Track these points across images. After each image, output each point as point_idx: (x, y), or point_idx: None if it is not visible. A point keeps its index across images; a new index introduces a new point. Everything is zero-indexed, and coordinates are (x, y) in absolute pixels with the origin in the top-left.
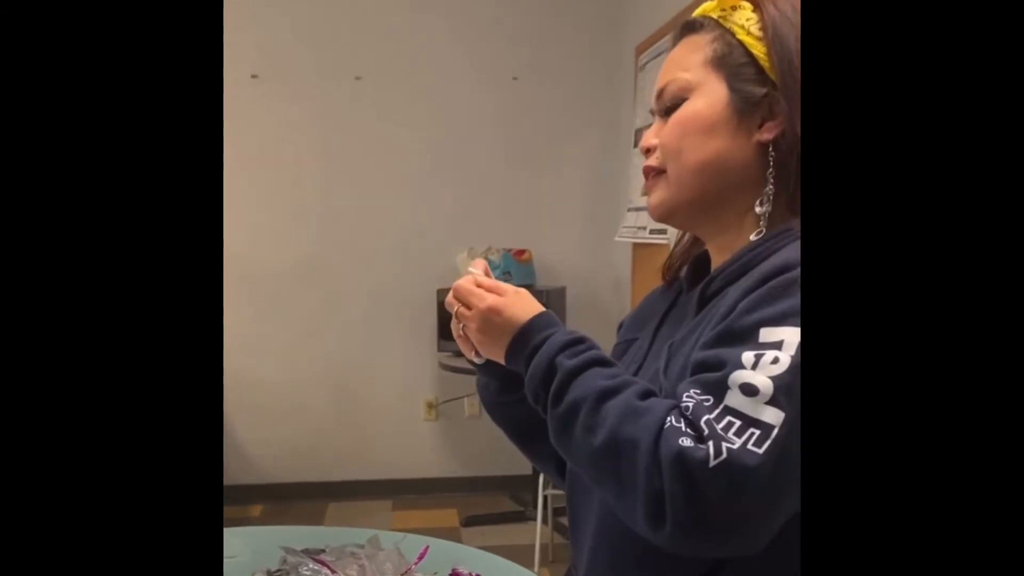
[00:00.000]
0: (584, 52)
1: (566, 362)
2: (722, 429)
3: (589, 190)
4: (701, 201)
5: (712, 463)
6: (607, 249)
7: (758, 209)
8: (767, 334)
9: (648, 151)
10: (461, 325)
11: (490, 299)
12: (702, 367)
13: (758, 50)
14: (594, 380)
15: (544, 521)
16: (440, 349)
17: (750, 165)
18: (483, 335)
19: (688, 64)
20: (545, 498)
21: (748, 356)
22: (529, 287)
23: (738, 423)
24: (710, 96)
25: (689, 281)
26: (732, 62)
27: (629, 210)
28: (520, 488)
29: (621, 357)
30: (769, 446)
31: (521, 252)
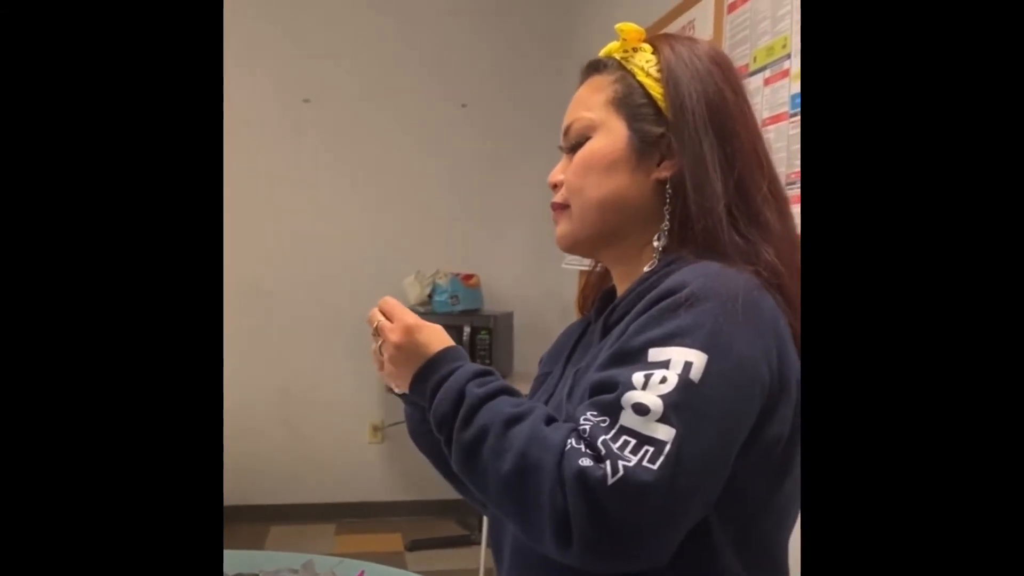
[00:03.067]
0: (534, 77)
1: (476, 390)
2: (618, 448)
3: (538, 216)
4: (602, 235)
5: (611, 480)
6: (555, 275)
7: (655, 243)
8: (655, 354)
9: (555, 187)
10: (381, 352)
11: (400, 330)
12: (598, 389)
13: (656, 91)
14: (502, 407)
15: (489, 545)
16: None
17: (648, 201)
18: (393, 364)
19: (591, 104)
20: None
21: (638, 377)
22: (476, 312)
23: (633, 441)
24: (611, 135)
25: (596, 311)
26: (632, 103)
27: None
28: (466, 512)
29: (537, 391)
30: (663, 461)
31: (469, 277)
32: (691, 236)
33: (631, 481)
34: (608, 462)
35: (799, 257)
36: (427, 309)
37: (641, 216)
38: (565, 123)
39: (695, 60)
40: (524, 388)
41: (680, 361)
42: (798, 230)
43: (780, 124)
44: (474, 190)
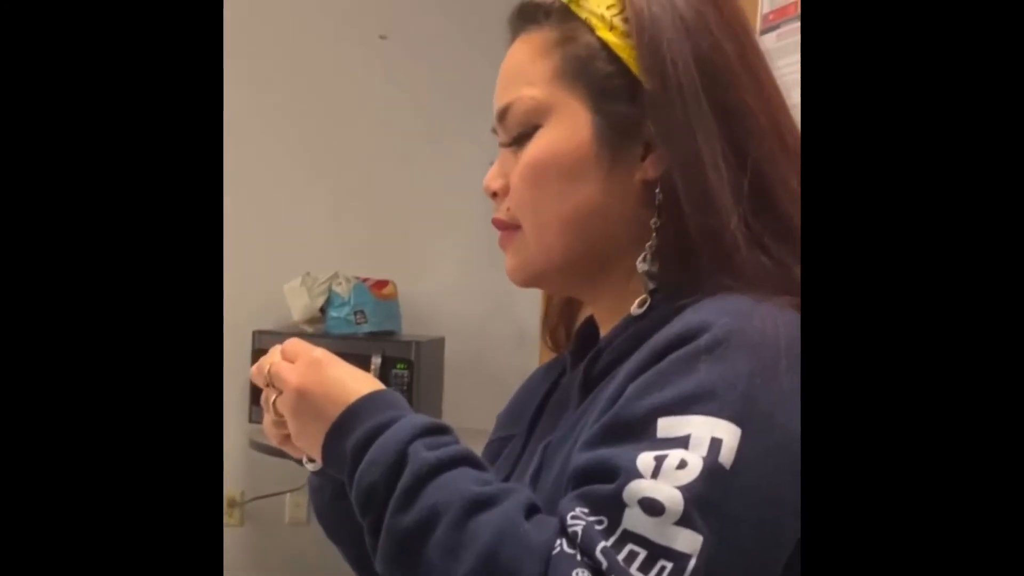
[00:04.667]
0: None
1: (424, 453)
2: (624, 560)
3: (481, 204)
4: (572, 265)
5: None
6: (504, 287)
7: (640, 267)
8: (668, 426)
9: (495, 196)
10: (275, 411)
11: (303, 369)
12: (587, 475)
13: (625, 52)
14: (463, 483)
15: None
16: (253, 419)
17: (633, 213)
18: (296, 419)
19: (533, 75)
20: None
21: (646, 459)
22: (391, 336)
23: (643, 553)
24: (569, 123)
25: (574, 356)
26: (593, 72)
27: None
28: None
29: (494, 461)
30: None
31: (381, 284)
32: (693, 259)
33: None
34: None
35: None
36: (318, 329)
37: (626, 235)
38: (498, 104)
39: None
40: None
41: (704, 437)
42: None
43: None
44: (392, 162)
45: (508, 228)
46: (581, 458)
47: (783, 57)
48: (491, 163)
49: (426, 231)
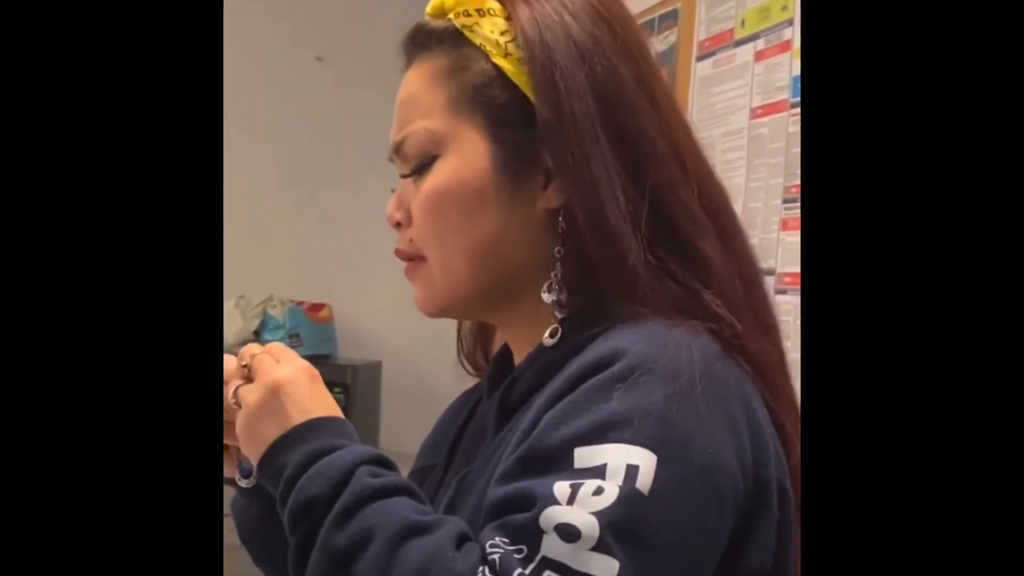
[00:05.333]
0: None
1: (368, 479)
2: None
3: None
4: (479, 295)
5: None
6: None
7: (546, 297)
8: (584, 456)
9: (398, 225)
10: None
11: (290, 370)
12: (505, 507)
13: (522, 80)
14: (402, 509)
15: None
16: None
17: (539, 242)
18: (255, 411)
19: (428, 105)
20: None
21: (562, 487)
22: (327, 359)
23: None
24: (467, 154)
25: (491, 382)
26: (490, 101)
27: None
28: None
29: None
30: None
31: (317, 307)
32: (600, 287)
33: None
34: None
35: (760, 299)
36: None
37: (532, 264)
38: (394, 136)
39: (567, 18)
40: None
41: (620, 465)
42: (753, 257)
43: (777, 116)
44: (328, 183)
45: (412, 259)
46: (499, 491)
47: (719, 84)
48: (392, 190)
49: (363, 254)
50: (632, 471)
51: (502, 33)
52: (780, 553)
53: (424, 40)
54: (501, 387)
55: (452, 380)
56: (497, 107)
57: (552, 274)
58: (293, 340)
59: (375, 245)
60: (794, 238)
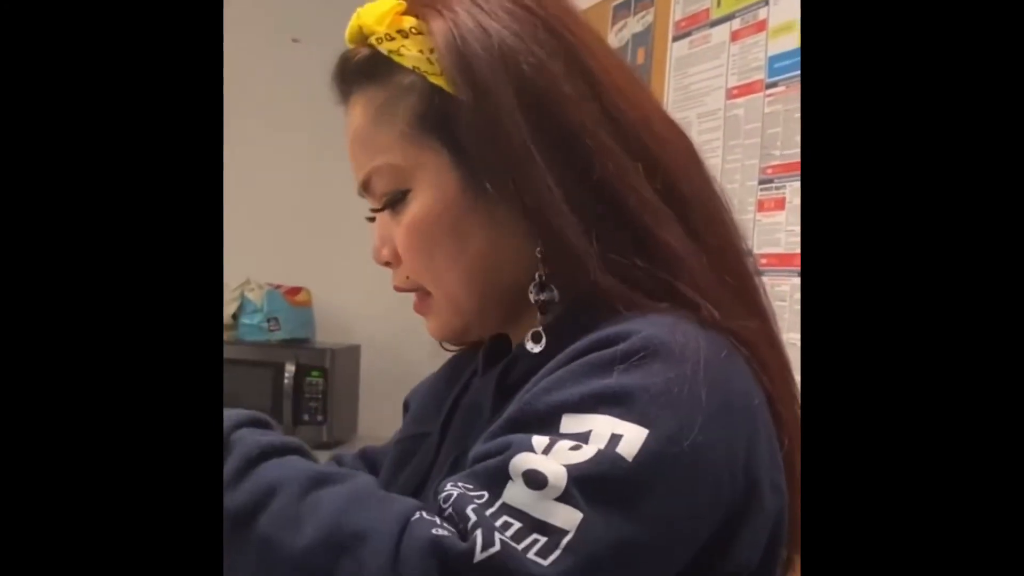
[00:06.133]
0: None
1: (256, 436)
2: (498, 528)
3: None
4: (488, 312)
5: (479, 556)
6: None
7: (533, 297)
8: (571, 423)
9: (388, 264)
10: None
11: None
12: (479, 458)
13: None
14: (299, 464)
15: None
16: None
17: (525, 244)
18: None
19: (383, 141)
20: None
21: (540, 440)
22: (305, 343)
23: (516, 525)
24: (435, 181)
25: (486, 359)
26: (443, 123)
27: None
28: None
29: (407, 460)
30: (558, 556)
31: (295, 291)
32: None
33: (511, 562)
34: (479, 532)
35: (741, 276)
36: (231, 336)
37: (526, 268)
38: (358, 175)
39: (484, 20)
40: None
41: (604, 433)
42: (732, 233)
43: (752, 97)
44: (305, 166)
45: (420, 295)
46: (481, 447)
47: (695, 64)
48: (367, 218)
49: (341, 237)
50: (616, 438)
51: (431, 51)
52: (769, 552)
53: (354, 75)
54: (499, 366)
55: (431, 364)
56: (446, 123)
57: (536, 275)
58: (271, 324)
59: (353, 228)
60: (771, 219)
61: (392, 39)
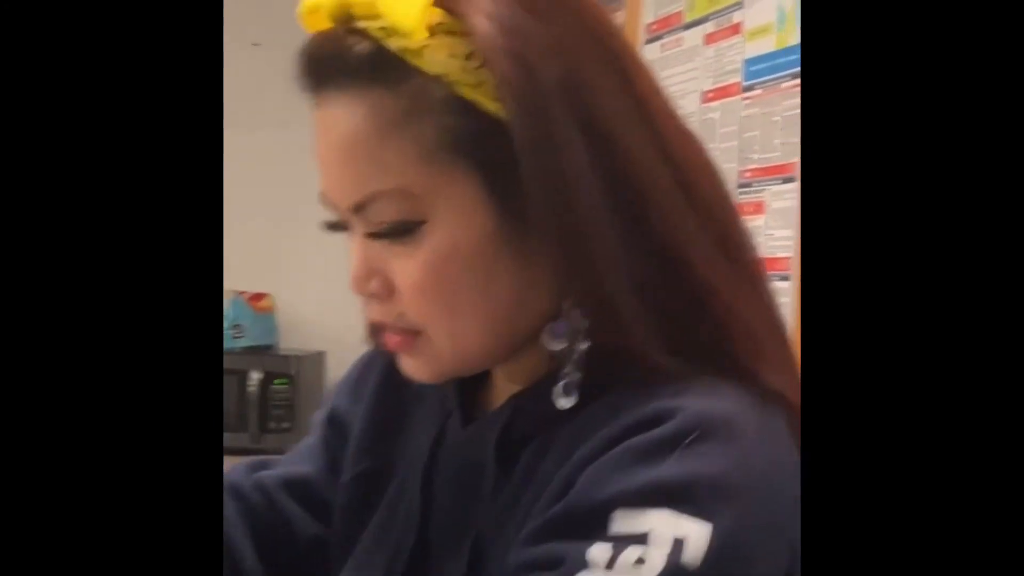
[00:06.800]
0: None
1: None
2: None
3: None
4: (491, 354)
5: None
6: None
7: (553, 346)
8: (624, 520)
9: (372, 296)
10: None
11: None
12: (527, 568)
13: (495, 106)
14: None
15: None
16: None
17: (552, 290)
18: None
19: (393, 163)
20: None
21: (598, 553)
22: (269, 350)
23: None
24: (463, 212)
25: (459, 392)
26: (473, 140)
27: None
28: None
29: (358, 503)
30: None
31: (259, 297)
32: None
33: None
34: None
35: (775, 326)
36: None
37: (546, 314)
38: (349, 196)
39: (524, 20)
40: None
41: (668, 536)
42: (759, 272)
43: (728, 100)
44: (266, 170)
45: (406, 335)
46: (524, 554)
47: (668, 67)
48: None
49: (304, 242)
50: (679, 545)
51: (467, 57)
52: None
53: (349, 69)
54: (497, 420)
55: None
56: (482, 145)
57: (554, 327)
58: (235, 331)
59: (317, 234)
60: (750, 223)
61: (404, 35)
